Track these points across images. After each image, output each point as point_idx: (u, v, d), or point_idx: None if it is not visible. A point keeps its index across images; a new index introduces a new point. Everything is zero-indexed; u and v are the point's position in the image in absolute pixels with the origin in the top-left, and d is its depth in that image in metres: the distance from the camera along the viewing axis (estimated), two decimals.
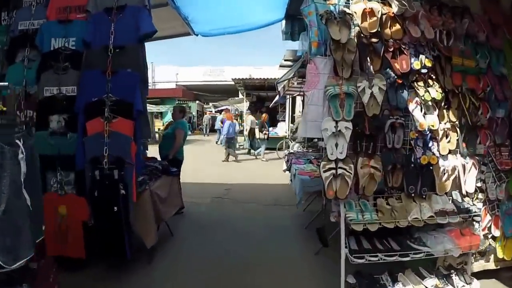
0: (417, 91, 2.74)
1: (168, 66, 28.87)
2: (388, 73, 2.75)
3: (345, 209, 2.62)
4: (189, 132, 22.30)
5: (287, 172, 7.50)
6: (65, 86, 3.27)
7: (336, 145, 2.53)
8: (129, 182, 2.98)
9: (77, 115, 3.15)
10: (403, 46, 2.72)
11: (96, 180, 3.04)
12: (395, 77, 2.76)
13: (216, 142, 17.21)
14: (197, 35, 5.72)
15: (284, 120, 16.09)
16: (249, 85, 16.40)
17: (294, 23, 5.98)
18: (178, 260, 3.88)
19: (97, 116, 3.06)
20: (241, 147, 15.55)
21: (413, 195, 2.67)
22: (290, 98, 15.02)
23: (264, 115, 13.47)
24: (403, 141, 2.75)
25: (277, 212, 5.98)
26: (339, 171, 2.53)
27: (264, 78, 15.07)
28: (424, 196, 2.69)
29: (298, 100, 14.06)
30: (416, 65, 2.71)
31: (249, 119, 14.38)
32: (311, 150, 7.54)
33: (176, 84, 27.32)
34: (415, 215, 2.55)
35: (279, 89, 7.85)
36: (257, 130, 13.59)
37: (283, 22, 6.03)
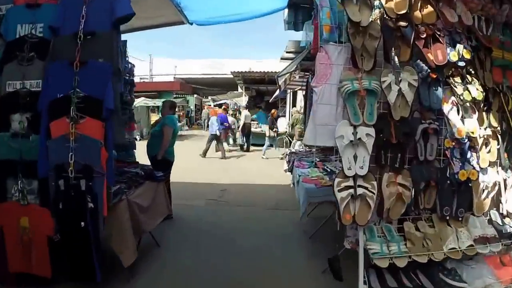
0: (454, 88, 2.21)
1: (167, 59, 28.33)
2: (419, 65, 2.21)
3: (365, 237, 2.10)
4: (186, 127, 21.91)
5: (288, 173, 7.05)
6: (30, 80, 2.80)
7: (355, 157, 2.01)
8: (99, 194, 2.49)
9: (40, 114, 2.66)
10: (438, 33, 2.18)
11: (60, 191, 2.56)
12: (428, 70, 2.21)
13: None
14: (191, 23, 5.16)
15: (285, 116, 15.55)
16: (248, 78, 15.84)
17: (298, 12, 5.48)
18: (163, 276, 3.38)
19: (62, 116, 2.56)
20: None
21: (447, 217, 2.15)
22: (291, 93, 14.49)
23: (273, 110, 12.88)
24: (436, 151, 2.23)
25: (277, 217, 5.48)
26: (359, 190, 2.02)
27: (264, 72, 14.51)
28: (460, 219, 2.17)
29: (300, 94, 13.51)
30: (453, 56, 2.19)
31: (243, 113, 13.91)
32: (314, 150, 7.06)
33: (174, 77, 26.72)
34: (451, 244, 2.05)
35: (279, 83, 7.32)
36: (263, 126, 13.09)
37: (286, 10, 5.54)
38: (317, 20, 4.08)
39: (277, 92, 9.26)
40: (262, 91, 17.62)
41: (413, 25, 2.17)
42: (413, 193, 2.13)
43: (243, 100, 16.85)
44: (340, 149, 2.04)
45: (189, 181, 7.70)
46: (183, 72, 27.66)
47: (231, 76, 16.46)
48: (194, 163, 10.53)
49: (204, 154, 11.72)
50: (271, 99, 11.79)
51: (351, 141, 2.04)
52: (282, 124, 14.17)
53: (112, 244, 2.89)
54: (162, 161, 4.78)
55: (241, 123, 13.58)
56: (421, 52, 2.19)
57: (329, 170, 4.20)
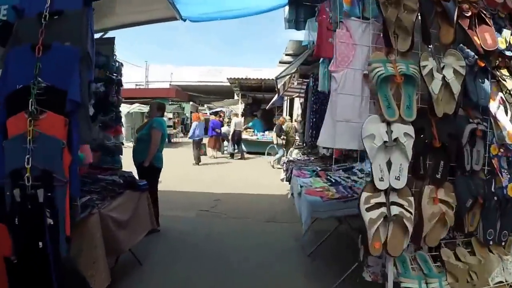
0: (503, 82, 1.78)
1: (163, 65, 27.90)
2: (464, 50, 1.78)
3: (395, 270, 1.65)
4: (181, 134, 21.42)
5: (286, 182, 6.62)
6: None
7: (388, 164, 1.58)
8: (60, 207, 2.02)
9: None
10: (484, 12, 1.77)
11: (16, 203, 2.09)
12: (475, 57, 1.78)
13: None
14: (184, 20, 4.78)
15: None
16: (244, 85, 15.49)
17: (299, 9, 5.11)
18: None
19: (21, 111, 2.11)
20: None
21: (491, 242, 1.72)
22: (288, 100, 14.15)
23: (281, 118, 12.50)
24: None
25: (274, 231, 5.03)
26: (394, 209, 1.57)
27: (261, 79, 14.17)
28: (503, 243, 1.74)
29: (297, 102, 13.17)
30: (501, 43, 1.77)
31: (233, 120, 13.64)
32: (313, 158, 6.64)
33: (170, 84, 26.32)
34: (498, 277, 1.62)
35: (278, 87, 6.92)
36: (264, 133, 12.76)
37: (286, 8, 5.15)
38: (323, 14, 3.74)
39: (275, 97, 8.82)
40: (259, 99, 17.26)
41: (456, 0, 1.77)
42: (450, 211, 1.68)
43: (239, 107, 16.49)
44: (370, 153, 1.59)
45: (179, 190, 7.26)
46: (179, 79, 27.28)
47: (228, 83, 16.10)
48: (186, 170, 10.11)
49: (198, 160, 11.39)
50: (268, 106, 11.35)
51: (385, 142, 1.59)
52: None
53: (81, 266, 2.42)
54: (150, 168, 4.34)
55: (231, 130, 13.31)
56: (465, 34, 1.77)
57: (333, 180, 3.78)
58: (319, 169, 4.61)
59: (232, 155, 13.42)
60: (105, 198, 2.70)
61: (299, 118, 13.54)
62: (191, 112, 26.65)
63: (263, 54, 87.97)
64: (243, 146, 13.92)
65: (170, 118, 23.22)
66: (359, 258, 1.94)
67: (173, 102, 23.98)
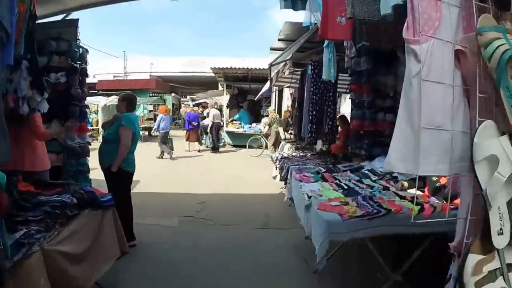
0: None
1: (142, 56, 26.70)
2: None
3: None
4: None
5: (279, 181, 5.99)
6: None
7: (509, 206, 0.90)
8: None
9: None
10: None
11: None
12: None
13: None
14: None
15: (268, 116, 14.47)
16: (230, 76, 14.66)
17: None
18: None
19: None
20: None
21: None
22: (277, 91, 13.43)
23: (286, 110, 11.77)
24: None
25: (269, 239, 4.39)
26: None
27: (247, 68, 13.38)
28: None
29: (286, 92, 12.49)
30: None
31: (212, 112, 13.09)
32: (309, 154, 6.00)
33: (150, 75, 25.16)
34: None
35: (271, 75, 6.22)
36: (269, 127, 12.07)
37: None
38: None
39: (266, 86, 7.95)
40: (245, 90, 16.46)
41: None
42: None
43: (224, 99, 15.62)
44: (490, 189, 0.93)
45: (157, 191, 6.51)
46: (159, 70, 26.14)
47: (212, 74, 15.24)
48: (164, 168, 9.31)
49: (162, 155, 10.71)
50: (256, 97, 10.43)
51: None
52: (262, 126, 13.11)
53: None
54: (119, 174, 3.58)
55: (209, 122, 12.74)
56: None
57: (345, 186, 3.12)
58: (322, 170, 3.94)
59: (214, 149, 12.73)
60: (51, 228, 1.95)
61: (289, 109, 12.93)
62: (173, 104, 25.61)
63: (248, 47, 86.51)
64: (226, 139, 13.36)
65: (150, 111, 22.18)
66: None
67: (153, 94, 22.93)
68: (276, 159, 6.53)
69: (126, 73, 25.88)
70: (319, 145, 7.10)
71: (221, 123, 13.74)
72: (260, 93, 9.40)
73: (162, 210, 5.44)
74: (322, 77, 4.41)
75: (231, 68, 13.51)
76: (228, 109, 15.11)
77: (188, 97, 28.83)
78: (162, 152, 10.59)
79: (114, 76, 24.62)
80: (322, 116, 5.37)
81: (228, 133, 14.18)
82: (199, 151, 12.77)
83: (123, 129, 3.54)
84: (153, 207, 5.45)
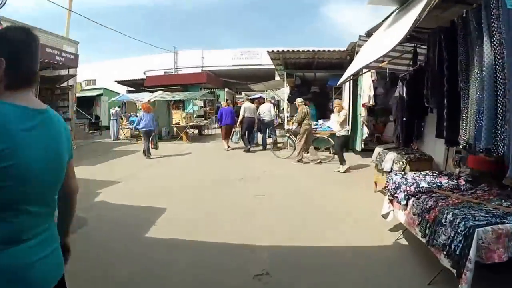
0: None
1: (193, 50, 24.96)
2: None
3: None
4: (215, 125, 18.25)
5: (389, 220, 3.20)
6: None
7: None
8: None
9: None
10: None
11: None
12: None
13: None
14: None
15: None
16: (291, 62, 11.97)
17: None
18: None
19: None
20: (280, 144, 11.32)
21: None
22: (351, 80, 10.32)
23: (337, 102, 8.80)
24: None
25: None
26: None
27: (313, 51, 10.60)
28: None
29: (366, 79, 9.41)
30: None
31: (243, 106, 11.59)
32: (468, 185, 3.13)
33: (202, 69, 23.40)
34: None
35: (385, 51, 3.32)
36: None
37: None
38: None
39: (358, 62, 4.79)
40: (308, 80, 13.61)
41: None
42: None
43: (285, 91, 12.87)
44: None
45: (190, 239, 3.97)
46: (211, 64, 24.32)
47: (268, 66, 12.67)
48: (204, 188, 6.77)
49: (147, 153, 9.99)
50: (339, 82, 7.23)
51: None
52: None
53: None
54: None
55: (240, 117, 11.23)
56: None
57: None
58: None
59: (246, 150, 11.09)
60: None
61: (371, 102, 9.88)
62: (226, 100, 23.61)
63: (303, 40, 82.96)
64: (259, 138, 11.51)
65: (201, 107, 20.29)
66: None
67: (206, 90, 21.04)
68: (386, 184, 3.79)
69: (177, 68, 24.41)
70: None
71: (273, 119, 11.52)
72: (345, 76, 6.09)
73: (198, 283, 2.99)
74: None
75: (293, 51, 10.84)
76: (289, 103, 12.37)
77: (243, 93, 26.80)
78: (146, 151, 9.97)
79: (165, 72, 23.22)
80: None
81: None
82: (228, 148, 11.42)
83: None
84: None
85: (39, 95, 14.18)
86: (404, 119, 5.27)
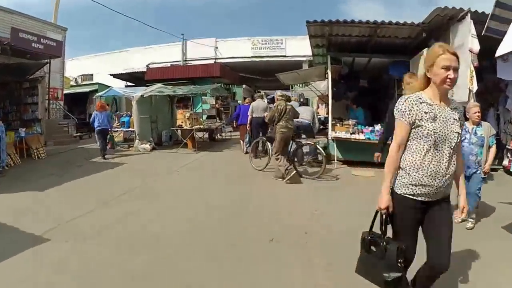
0: None
1: (204, 39, 21.46)
2: None
3: None
4: (230, 129, 14.49)
5: None
6: None
7: None
8: None
9: None
10: None
11: None
12: None
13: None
14: None
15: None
16: (337, 41, 8.40)
17: None
18: None
19: None
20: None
21: None
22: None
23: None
24: None
25: None
26: None
27: (374, 23, 7.07)
28: None
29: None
30: None
31: (252, 105, 9.60)
32: None
33: (215, 61, 20.00)
34: None
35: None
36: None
37: None
38: None
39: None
40: (356, 70, 10.07)
41: None
42: None
43: (328, 84, 9.09)
44: None
45: None
46: (226, 55, 20.89)
47: (294, 58, 9.17)
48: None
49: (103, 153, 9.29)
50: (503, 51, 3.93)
51: None
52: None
53: None
54: None
55: (249, 117, 9.36)
56: None
57: None
58: None
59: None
60: None
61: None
62: (244, 99, 20.02)
63: None
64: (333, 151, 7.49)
65: (212, 106, 16.85)
66: None
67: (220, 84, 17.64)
68: None
69: (185, 60, 21.08)
70: None
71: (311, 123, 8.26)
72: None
73: None
74: None
75: (344, 22, 7.25)
76: (334, 101, 8.77)
77: (263, 92, 23.16)
78: (100, 151, 9.37)
79: (172, 64, 19.92)
80: None
81: (337, 141, 7.99)
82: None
83: None
84: None
85: (4, 89, 11.41)
86: None
